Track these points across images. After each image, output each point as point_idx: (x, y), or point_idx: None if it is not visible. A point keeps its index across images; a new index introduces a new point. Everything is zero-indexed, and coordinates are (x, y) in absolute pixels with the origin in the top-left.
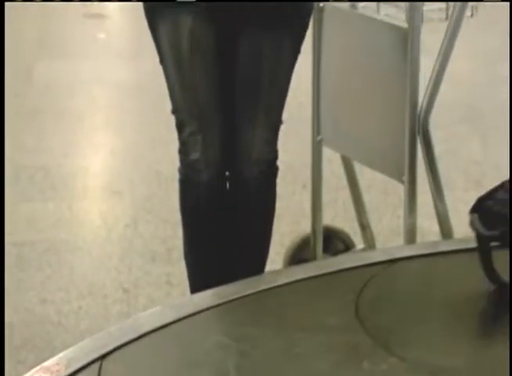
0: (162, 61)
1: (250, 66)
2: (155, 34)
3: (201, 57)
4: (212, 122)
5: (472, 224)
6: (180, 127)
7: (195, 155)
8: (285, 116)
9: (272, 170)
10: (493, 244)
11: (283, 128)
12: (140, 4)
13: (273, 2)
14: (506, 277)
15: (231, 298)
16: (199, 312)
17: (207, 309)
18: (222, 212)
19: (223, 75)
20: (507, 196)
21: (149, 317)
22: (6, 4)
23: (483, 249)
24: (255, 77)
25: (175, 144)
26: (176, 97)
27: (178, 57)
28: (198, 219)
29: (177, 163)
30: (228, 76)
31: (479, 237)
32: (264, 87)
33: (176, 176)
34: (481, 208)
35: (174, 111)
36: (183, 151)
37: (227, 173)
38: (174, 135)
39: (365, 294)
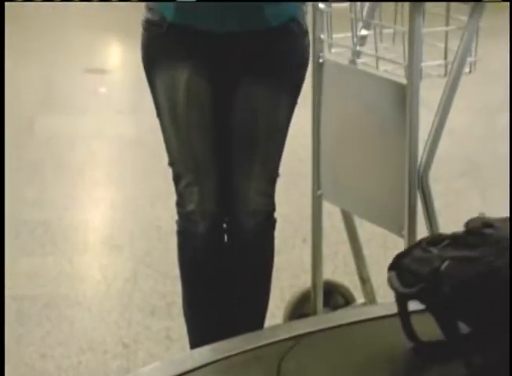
0: (159, 114)
1: (246, 120)
2: (152, 87)
3: (197, 111)
4: (208, 174)
5: (389, 281)
6: (176, 179)
7: (191, 206)
8: (285, 170)
9: (269, 222)
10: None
11: (282, 181)
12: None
13: (269, 56)
14: (423, 336)
15: (230, 353)
16: (198, 368)
17: (207, 364)
18: (220, 264)
19: (219, 128)
20: (424, 254)
21: (149, 373)
22: (8, 53)
23: (400, 306)
24: (252, 130)
25: (175, 198)
26: (172, 150)
27: (174, 111)
28: (196, 272)
29: (176, 217)
30: (224, 128)
31: (396, 295)
32: (261, 140)
33: (175, 230)
34: (399, 266)
35: (171, 164)
36: (180, 203)
37: (224, 225)
38: (174, 189)
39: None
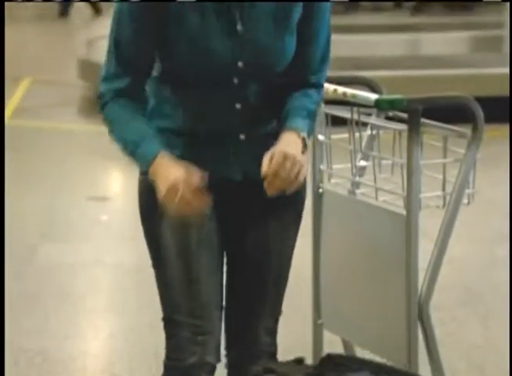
0: (158, 263)
1: (258, 259)
2: (154, 234)
3: (209, 250)
4: (215, 320)
5: None
6: (176, 331)
7: (193, 359)
8: (286, 301)
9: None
10: None
11: (284, 312)
12: None
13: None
14: None
15: None
16: None
17: None
18: None
19: (227, 269)
20: None
21: None
22: (10, 181)
23: None
24: (264, 269)
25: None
26: (174, 297)
27: (184, 250)
28: None
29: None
30: (233, 268)
31: None
32: (272, 278)
33: None
34: None
35: (169, 316)
36: (176, 357)
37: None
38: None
39: None
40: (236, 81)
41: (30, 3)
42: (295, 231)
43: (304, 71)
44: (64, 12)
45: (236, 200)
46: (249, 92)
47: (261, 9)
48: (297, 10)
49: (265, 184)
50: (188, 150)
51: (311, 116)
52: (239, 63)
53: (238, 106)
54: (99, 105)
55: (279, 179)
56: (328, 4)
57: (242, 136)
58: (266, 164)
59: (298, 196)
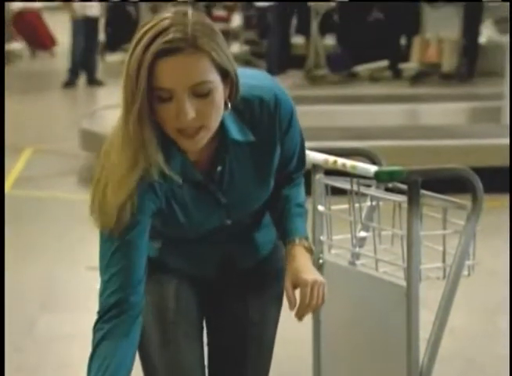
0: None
1: (236, 333)
2: None
3: (187, 320)
4: None
5: None
6: None
7: None
8: (286, 369)
9: None
10: None
11: None
12: None
13: (259, 273)
14: None
15: None
16: None
17: None
18: None
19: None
20: None
21: None
22: (9, 251)
23: None
24: (244, 341)
25: None
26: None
27: (163, 321)
28: None
29: None
30: (212, 339)
31: None
32: (251, 354)
33: None
34: None
35: None
36: None
37: None
38: None
39: None
40: (224, 226)
41: (34, 71)
42: (278, 306)
43: (285, 177)
44: (70, 83)
45: (215, 281)
46: (239, 222)
47: (240, 177)
48: (277, 155)
49: (295, 313)
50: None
51: (304, 204)
52: (228, 221)
53: (228, 222)
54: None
55: (310, 307)
56: (295, 118)
57: (228, 222)
58: (291, 295)
59: (281, 274)
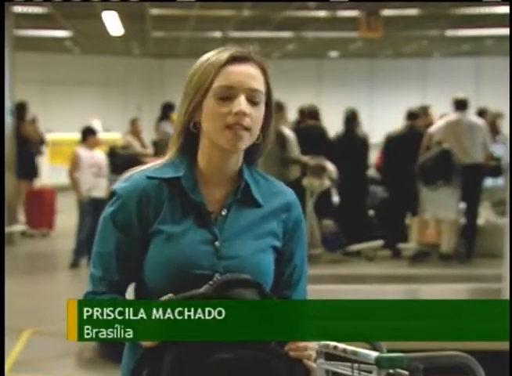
0: None
1: None
2: None
3: None
4: None
5: None
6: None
7: None
8: None
9: None
10: None
11: None
12: None
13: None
14: None
15: None
16: None
17: None
18: None
19: None
20: None
21: None
22: None
23: None
24: None
25: None
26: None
27: None
28: None
29: None
30: None
31: None
32: None
33: None
34: None
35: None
36: None
37: None
38: None
39: None
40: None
41: (37, 251)
42: None
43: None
44: (75, 264)
45: None
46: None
47: (239, 228)
48: (273, 233)
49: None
50: None
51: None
52: (218, 266)
53: (219, 267)
54: None
55: None
56: (303, 229)
57: (219, 266)
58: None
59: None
